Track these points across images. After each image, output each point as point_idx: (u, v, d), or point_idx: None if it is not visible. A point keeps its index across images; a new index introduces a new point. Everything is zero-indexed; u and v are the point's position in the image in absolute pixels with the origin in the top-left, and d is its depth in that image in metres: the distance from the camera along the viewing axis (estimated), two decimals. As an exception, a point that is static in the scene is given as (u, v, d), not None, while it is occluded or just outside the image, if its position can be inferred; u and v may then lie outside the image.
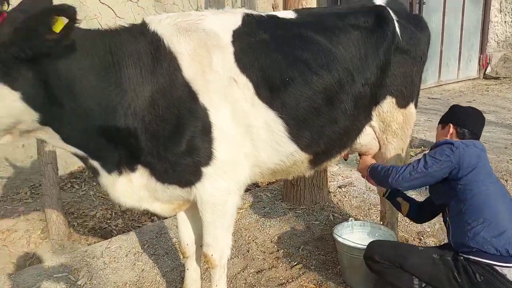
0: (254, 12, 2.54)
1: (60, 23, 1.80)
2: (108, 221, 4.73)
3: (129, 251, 3.68)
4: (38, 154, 4.14)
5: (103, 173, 2.32)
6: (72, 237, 4.41)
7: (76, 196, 5.01)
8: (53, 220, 4.24)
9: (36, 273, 3.40)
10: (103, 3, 5.39)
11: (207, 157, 2.32)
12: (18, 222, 4.53)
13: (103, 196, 5.08)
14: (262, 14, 2.60)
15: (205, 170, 2.34)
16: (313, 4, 3.98)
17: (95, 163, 2.29)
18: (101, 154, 2.27)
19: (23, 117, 1.98)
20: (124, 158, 2.29)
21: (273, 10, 4.54)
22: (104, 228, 4.67)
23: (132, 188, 2.38)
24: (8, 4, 1.93)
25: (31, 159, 5.10)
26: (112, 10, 5.45)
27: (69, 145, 2.20)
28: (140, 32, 2.24)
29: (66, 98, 2.02)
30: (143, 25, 2.28)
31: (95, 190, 5.19)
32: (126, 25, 2.27)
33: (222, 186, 2.40)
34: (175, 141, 2.24)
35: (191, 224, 2.79)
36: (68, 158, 5.30)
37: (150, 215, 4.93)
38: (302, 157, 2.62)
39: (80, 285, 3.26)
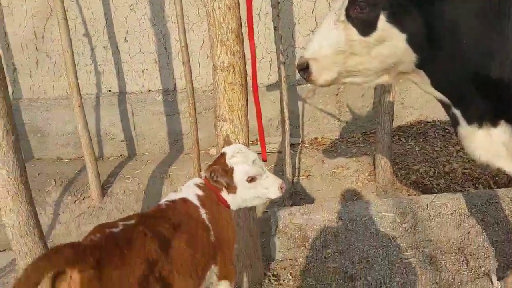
0: None
1: None
2: (430, 178, 4.77)
3: (455, 210, 3.61)
4: (379, 104, 4.48)
5: (462, 123, 2.30)
6: (395, 185, 4.69)
7: (402, 149, 5.23)
8: (381, 165, 4.61)
9: (365, 206, 3.80)
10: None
11: None
12: (350, 161, 5.14)
13: (427, 153, 5.12)
14: None
15: None
16: None
17: (457, 112, 2.29)
18: (466, 103, 2.24)
19: (403, 58, 2.15)
20: (489, 110, 2.20)
21: None
22: (426, 184, 4.74)
23: (490, 143, 2.28)
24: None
25: (367, 108, 5.60)
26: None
27: (436, 91, 2.27)
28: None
29: (446, 41, 2.07)
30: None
31: (420, 146, 5.27)
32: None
33: None
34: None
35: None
36: (399, 112, 5.54)
37: (475, 183, 4.68)
38: None
39: (405, 228, 3.47)
